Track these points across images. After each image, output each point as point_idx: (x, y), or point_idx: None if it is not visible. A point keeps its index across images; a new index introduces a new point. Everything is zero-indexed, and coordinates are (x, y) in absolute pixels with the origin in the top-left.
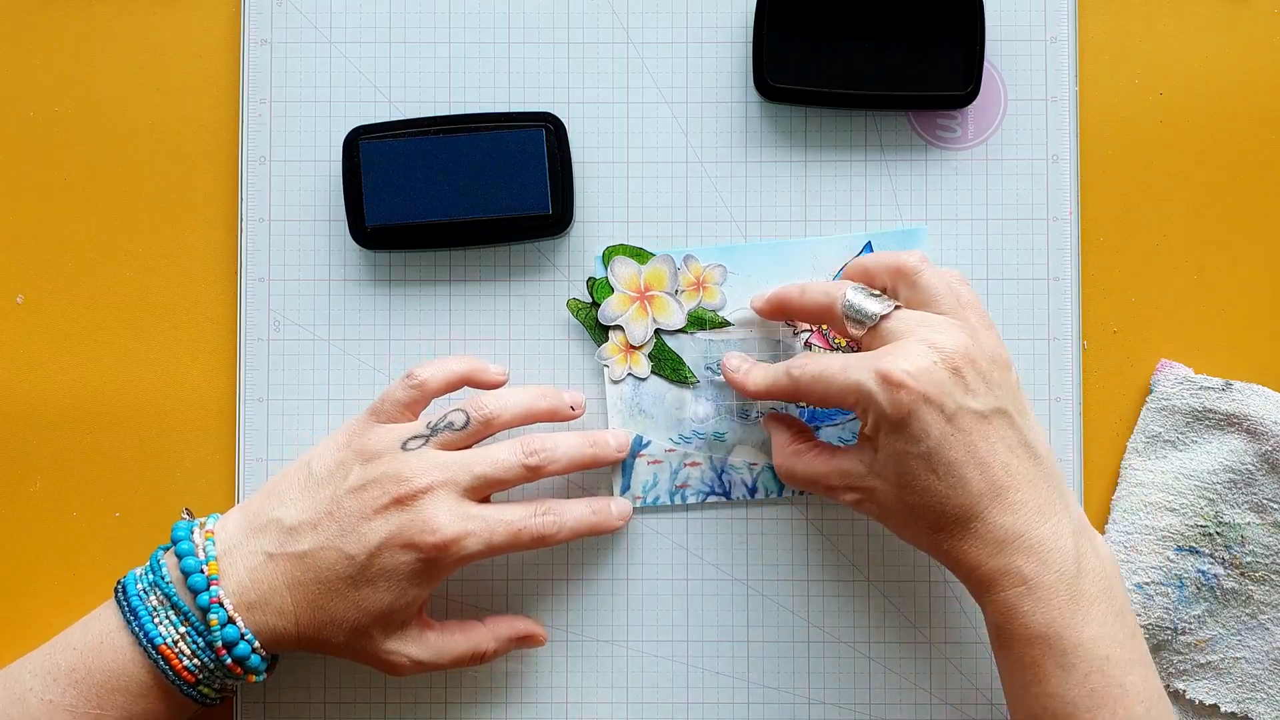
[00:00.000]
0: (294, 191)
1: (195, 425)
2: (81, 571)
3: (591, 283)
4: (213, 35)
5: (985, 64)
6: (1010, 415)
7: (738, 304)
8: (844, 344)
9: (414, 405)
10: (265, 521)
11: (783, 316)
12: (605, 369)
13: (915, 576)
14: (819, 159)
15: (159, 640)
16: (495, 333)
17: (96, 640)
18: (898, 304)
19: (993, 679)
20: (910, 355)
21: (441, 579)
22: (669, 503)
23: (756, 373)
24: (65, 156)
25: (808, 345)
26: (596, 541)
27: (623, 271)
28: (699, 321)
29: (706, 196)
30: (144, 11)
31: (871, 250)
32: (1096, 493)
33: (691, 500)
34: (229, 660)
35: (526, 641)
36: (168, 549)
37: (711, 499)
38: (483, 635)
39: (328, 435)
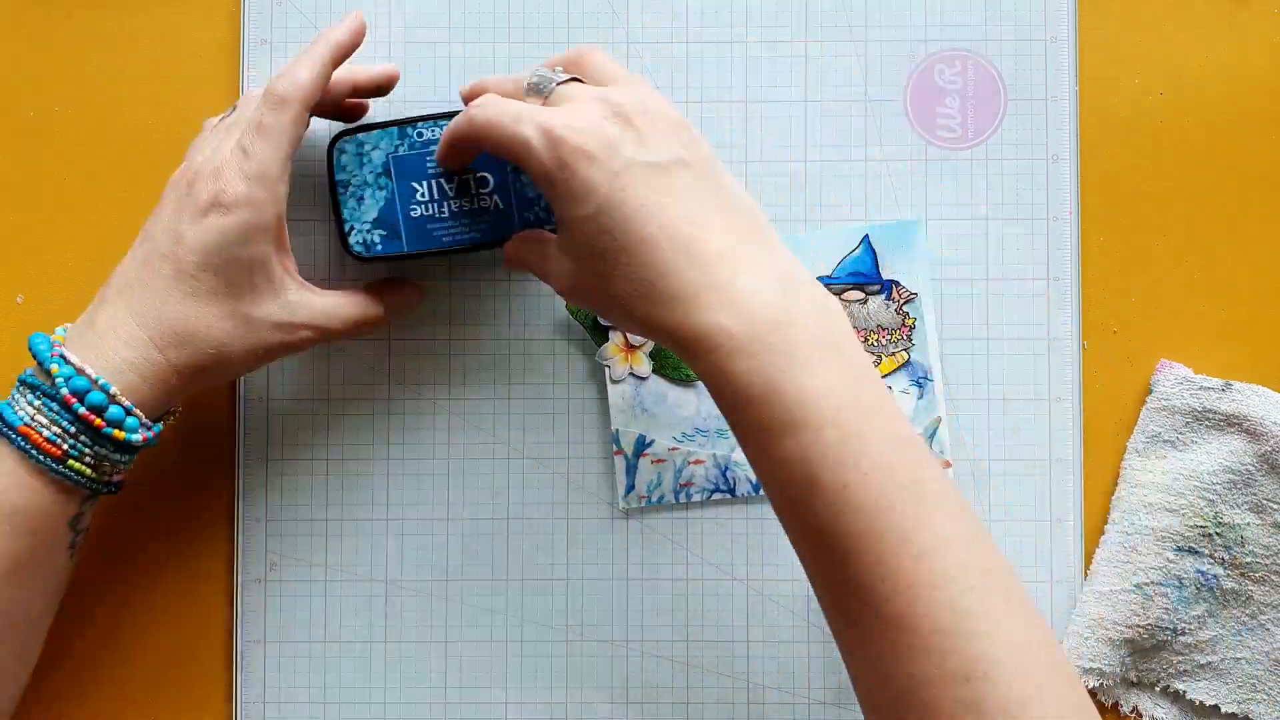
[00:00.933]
0: (294, 191)
1: (195, 425)
2: (81, 571)
3: None
4: (213, 35)
5: (985, 63)
6: (694, 166)
7: None
8: None
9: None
10: (111, 290)
11: (476, 95)
12: (606, 369)
13: None
14: (819, 159)
15: (16, 421)
16: (495, 333)
17: None
18: (571, 76)
19: None
20: (577, 111)
21: (268, 227)
22: (674, 501)
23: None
24: (65, 156)
25: None
26: (596, 541)
27: None
28: None
29: None
30: (144, 11)
31: (870, 242)
32: (1096, 493)
33: (696, 498)
34: (82, 410)
35: (404, 295)
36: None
37: (716, 496)
38: (369, 294)
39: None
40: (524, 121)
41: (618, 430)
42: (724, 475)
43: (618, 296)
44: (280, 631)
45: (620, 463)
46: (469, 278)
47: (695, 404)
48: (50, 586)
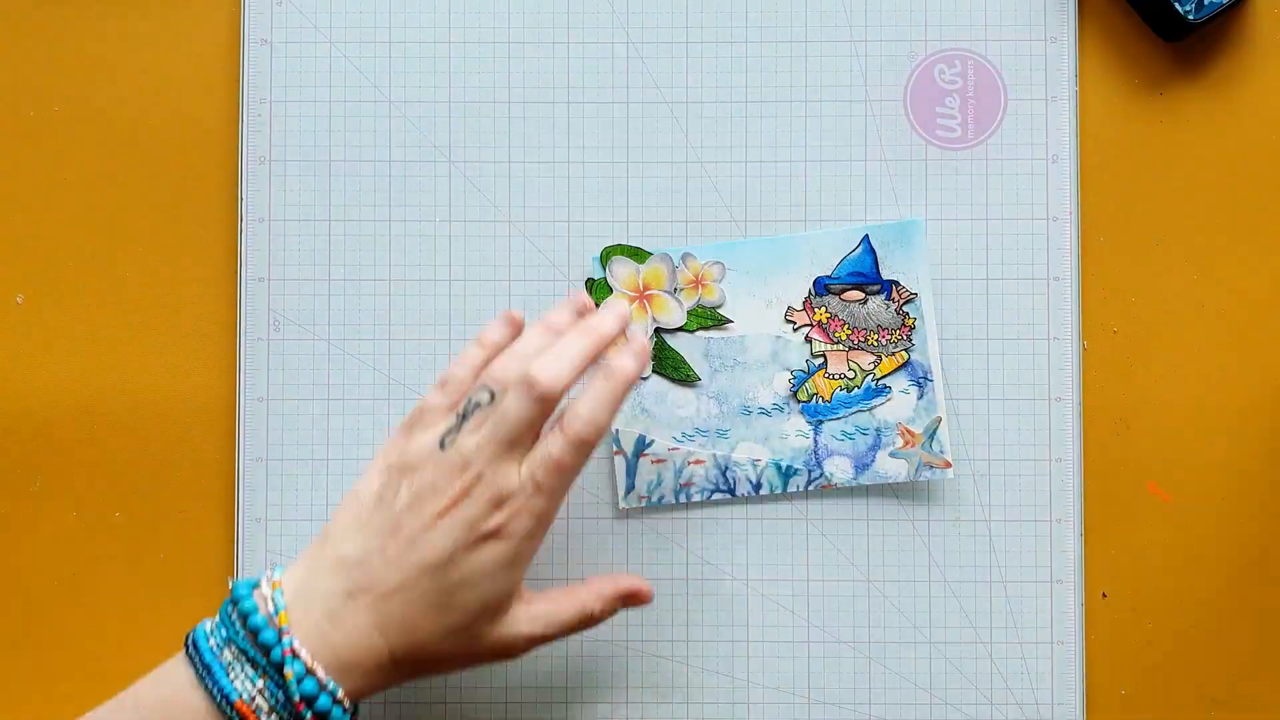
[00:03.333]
0: (294, 191)
1: (195, 425)
2: (82, 572)
3: (590, 284)
4: (213, 35)
5: (985, 63)
6: None
7: (737, 300)
8: (844, 335)
9: (454, 408)
10: (331, 563)
11: None
12: None
13: (915, 576)
14: (819, 158)
15: (235, 696)
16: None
17: (169, 696)
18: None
19: (992, 679)
20: None
21: (534, 551)
22: (674, 502)
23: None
24: (65, 156)
25: (808, 340)
26: (596, 541)
27: (621, 271)
28: (699, 319)
29: (706, 196)
30: (144, 11)
31: (870, 242)
32: (1096, 493)
33: (696, 498)
34: (309, 716)
35: (633, 598)
36: (232, 601)
37: (716, 496)
38: (587, 596)
39: (368, 465)
40: None
41: (617, 430)
42: (724, 475)
43: None
44: None
45: (620, 463)
46: (469, 277)
47: (695, 404)
48: None
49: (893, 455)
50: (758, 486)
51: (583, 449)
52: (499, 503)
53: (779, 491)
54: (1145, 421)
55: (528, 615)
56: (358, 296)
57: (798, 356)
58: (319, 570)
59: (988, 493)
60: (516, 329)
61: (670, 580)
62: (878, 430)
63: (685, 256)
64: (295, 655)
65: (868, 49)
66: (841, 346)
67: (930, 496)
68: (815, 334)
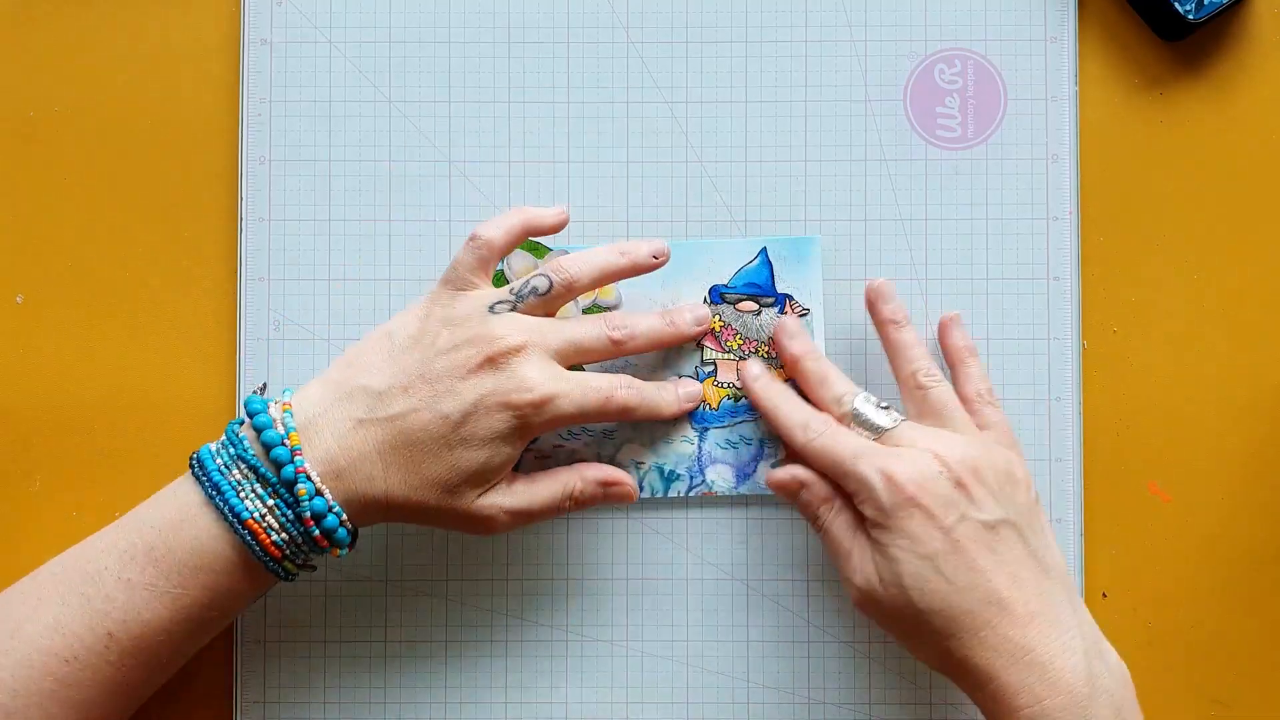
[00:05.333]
0: (294, 191)
1: (195, 425)
2: None
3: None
4: (213, 35)
5: (985, 63)
6: (1019, 528)
7: (633, 303)
8: (736, 345)
9: (485, 265)
10: (351, 389)
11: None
12: None
13: None
14: (819, 158)
15: (245, 515)
16: None
17: (176, 517)
18: (904, 417)
19: None
20: (916, 462)
21: (530, 438)
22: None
23: (775, 402)
24: (65, 156)
25: (700, 347)
26: (596, 541)
27: (519, 265)
28: None
29: (706, 196)
30: (144, 11)
31: (767, 257)
32: (1096, 493)
33: None
34: (316, 533)
35: (614, 490)
36: (242, 423)
37: None
38: (570, 476)
39: (403, 309)
40: (863, 460)
41: None
42: None
43: (933, 628)
44: (280, 631)
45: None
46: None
47: None
48: (217, 630)
49: (774, 467)
50: (639, 489)
51: (623, 414)
52: (528, 385)
53: (660, 496)
54: (1145, 421)
55: (509, 490)
56: (358, 296)
57: (688, 363)
58: (335, 396)
59: None
60: (560, 224)
61: (670, 580)
62: (761, 441)
63: None
64: (306, 474)
65: (868, 49)
66: (732, 356)
67: None
68: (708, 341)
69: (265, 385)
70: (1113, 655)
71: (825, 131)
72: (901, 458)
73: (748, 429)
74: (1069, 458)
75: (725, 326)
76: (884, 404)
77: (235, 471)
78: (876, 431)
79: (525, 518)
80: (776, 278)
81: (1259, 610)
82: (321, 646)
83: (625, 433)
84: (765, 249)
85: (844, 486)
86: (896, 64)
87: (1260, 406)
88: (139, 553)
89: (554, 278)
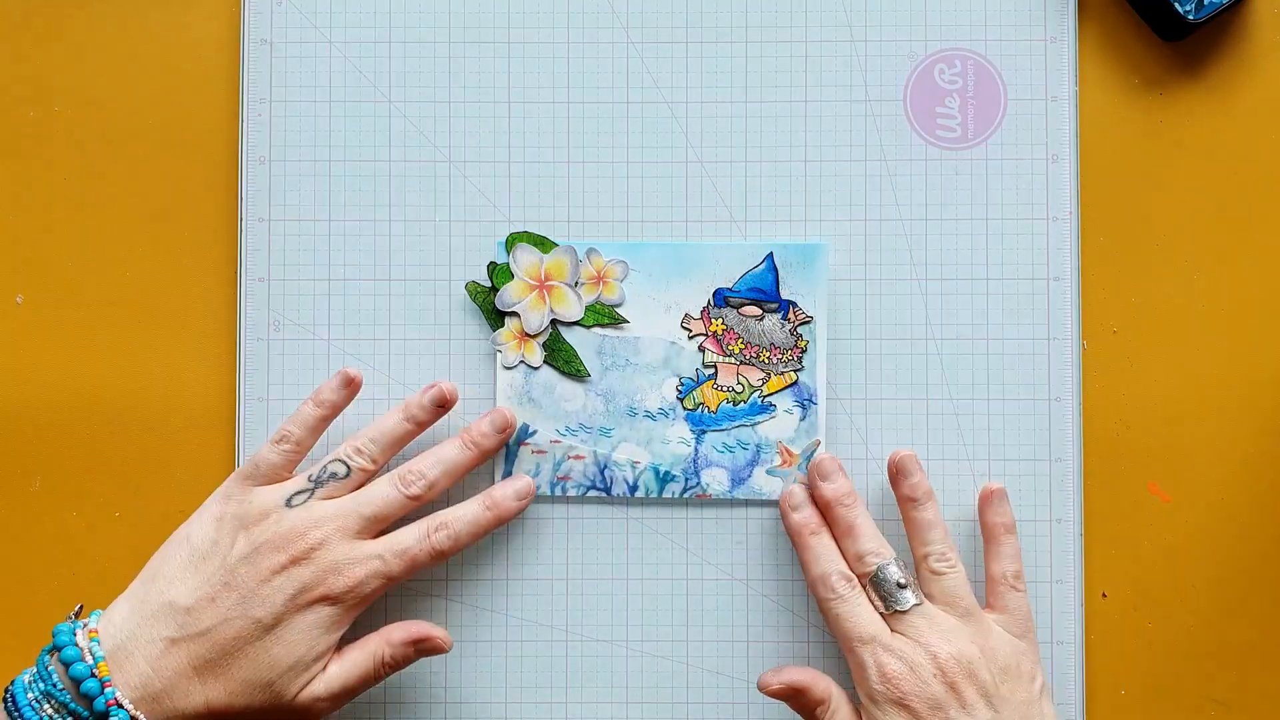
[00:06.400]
0: (294, 191)
1: (195, 425)
2: (81, 571)
3: (492, 267)
4: (213, 35)
5: (985, 63)
6: None
7: (637, 301)
8: (738, 349)
9: (290, 465)
10: (157, 607)
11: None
12: (498, 354)
13: None
14: (818, 158)
15: None
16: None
17: None
18: (920, 601)
19: None
20: (913, 659)
21: (350, 621)
22: (549, 494)
23: (807, 543)
24: (65, 156)
25: (701, 350)
26: (596, 541)
27: (524, 259)
28: (596, 315)
29: (706, 196)
30: (144, 11)
31: (774, 263)
32: (1096, 493)
33: (572, 493)
34: None
35: (426, 645)
36: (52, 650)
37: (592, 493)
38: (376, 643)
39: (199, 508)
40: (866, 648)
41: None
42: (602, 473)
43: None
44: None
45: (500, 449)
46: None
47: (582, 399)
48: None
49: (769, 473)
50: (634, 489)
51: (438, 559)
52: (338, 570)
53: (654, 496)
54: (1145, 421)
55: (325, 676)
56: (358, 296)
57: (689, 364)
58: (143, 615)
59: None
60: (354, 389)
61: (670, 580)
62: (758, 446)
63: (590, 252)
64: (119, 705)
65: (868, 49)
66: (733, 360)
67: None
68: (709, 344)
69: (81, 607)
70: None
71: (825, 131)
72: (900, 655)
73: (745, 434)
74: (1069, 458)
75: (727, 330)
76: (904, 580)
77: (47, 707)
78: (890, 606)
79: (345, 697)
80: (781, 284)
81: (1259, 610)
82: None
83: (623, 431)
84: (772, 254)
85: (844, 650)
86: (896, 64)
87: (1260, 406)
88: None
89: (351, 463)
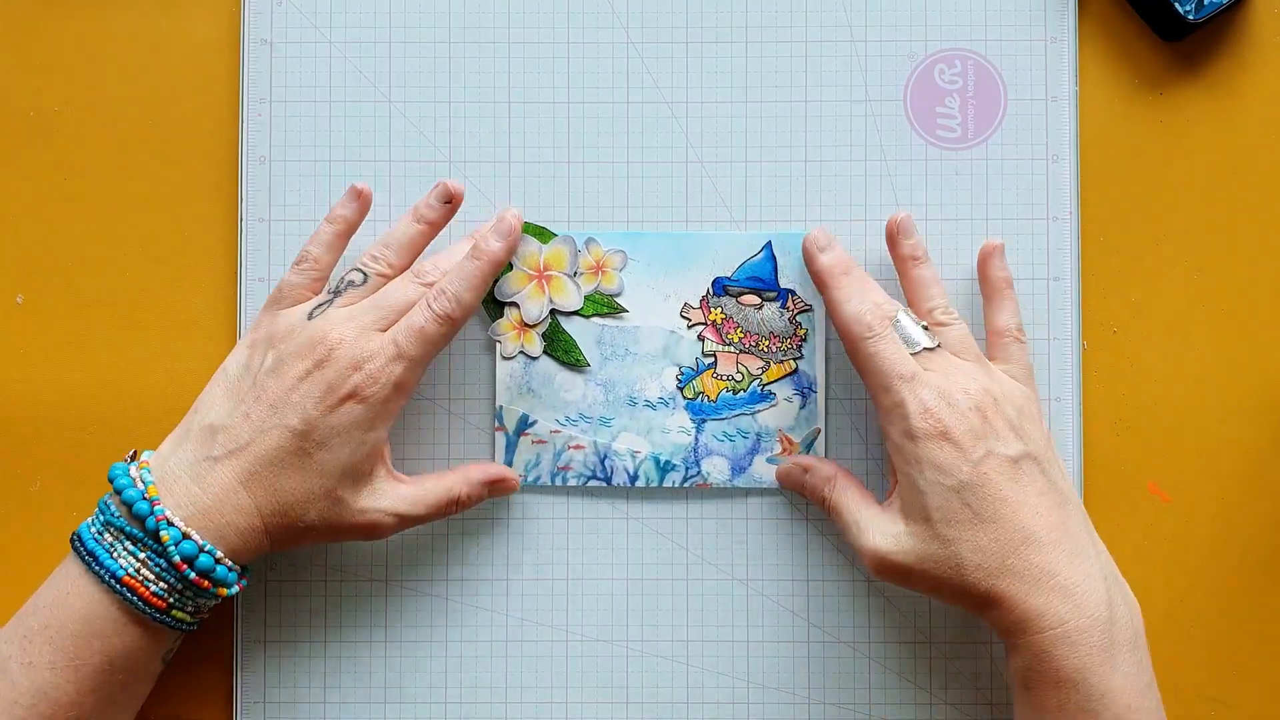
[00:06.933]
0: (294, 191)
1: None
2: None
3: None
4: (213, 35)
5: (985, 63)
6: (1039, 461)
7: (636, 291)
8: (737, 338)
9: (312, 285)
10: (198, 431)
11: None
12: (497, 344)
13: None
14: (819, 158)
15: (121, 572)
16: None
17: (62, 592)
18: (939, 344)
19: (993, 679)
20: (950, 394)
21: (392, 415)
22: (550, 484)
23: (840, 282)
24: (65, 156)
25: (700, 339)
26: (596, 541)
27: (523, 249)
28: (596, 305)
29: (706, 196)
30: (144, 11)
31: (772, 251)
32: (1096, 493)
33: (573, 483)
34: (193, 575)
35: (499, 486)
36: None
37: (593, 483)
38: (454, 479)
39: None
40: (907, 385)
41: (502, 407)
42: (602, 463)
43: (957, 562)
44: (280, 631)
45: (501, 440)
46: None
47: (582, 389)
48: (140, 695)
49: (769, 461)
50: (634, 479)
51: (447, 323)
52: (358, 365)
53: (655, 485)
54: (1145, 421)
55: (392, 491)
56: None
57: (688, 354)
58: (185, 441)
59: None
60: (364, 202)
61: (670, 580)
62: (758, 435)
63: (589, 242)
64: (169, 521)
65: (868, 49)
66: (732, 349)
67: None
68: (708, 333)
69: (136, 452)
70: (1127, 586)
71: (825, 131)
72: (938, 389)
73: (745, 423)
74: (1069, 458)
75: (727, 319)
76: (922, 322)
77: (107, 535)
78: (914, 347)
79: (411, 521)
80: (780, 272)
81: (1259, 610)
82: (322, 646)
83: (623, 421)
84: (770, 242)
85: (874, 395)
86: (896, 64)
87: (1260, 406)
88: (35, 634)
89: (368, 269)
